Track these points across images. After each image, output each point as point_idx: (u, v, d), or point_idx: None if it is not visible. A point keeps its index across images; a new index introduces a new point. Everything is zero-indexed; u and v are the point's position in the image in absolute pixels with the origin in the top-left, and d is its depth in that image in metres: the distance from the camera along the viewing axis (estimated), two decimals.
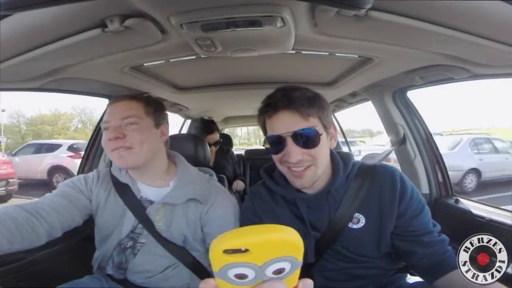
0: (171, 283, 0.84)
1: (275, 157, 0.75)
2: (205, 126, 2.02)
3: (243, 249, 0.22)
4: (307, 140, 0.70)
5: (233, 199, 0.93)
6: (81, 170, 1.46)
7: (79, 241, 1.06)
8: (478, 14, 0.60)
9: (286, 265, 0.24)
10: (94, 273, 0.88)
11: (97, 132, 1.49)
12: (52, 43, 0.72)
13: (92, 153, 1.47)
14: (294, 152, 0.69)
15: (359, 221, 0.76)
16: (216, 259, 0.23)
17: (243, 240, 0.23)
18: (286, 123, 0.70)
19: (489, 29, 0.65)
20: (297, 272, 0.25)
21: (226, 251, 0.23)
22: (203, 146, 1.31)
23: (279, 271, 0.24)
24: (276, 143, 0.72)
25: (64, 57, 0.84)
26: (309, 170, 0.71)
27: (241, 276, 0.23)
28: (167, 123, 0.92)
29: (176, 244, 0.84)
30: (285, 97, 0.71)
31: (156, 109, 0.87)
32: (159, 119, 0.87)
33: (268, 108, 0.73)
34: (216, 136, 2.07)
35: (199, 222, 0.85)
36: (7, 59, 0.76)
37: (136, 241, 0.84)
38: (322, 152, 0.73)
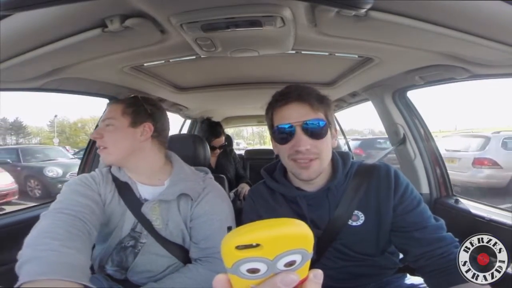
0: None
1: (283, 150, 0.76)
2: (212, 129, 1.96)
3: (254, 244, 0.23)
4: (315, 131, 0.73)
5: (226, 199, 0.91)
6: (81, 171, 1.47)
7: None
8: (478, 14, 0.59)
9: (297, 257, 0.24)
10: (94, 272, 0.88)
11: None
12: (52, 43, 0.72)
13: (91, 154, 1.47)
14: (303, 140, 0.72)
15: (358, 219, 0.77)
16: (228, 256, 0.23)
17: (255, 235, 0.23)
18: (297, 113, 0.73)
19: (489, 29, 0.65)
20: (308, 263, 0.25)
21: (238, 247, 0.23)
22: (203, 146, 1.30)
23: (290, 264, 0.24)
24: (285, 133, 0.74)
25: (64, 57, 0.84)
26: (315, 162, 0.73)
27: (254, 271, 0.24)
28: (156, 121, 0.89)
29: (175, 243, 0.84)
30: (296, 91, 0.75)
31: (136, 109, 0.86)
32: (139, 118, 0.86)
33: (279, 100, 0.76)
34: (222, 140, 2.02)
35: (189, 217, 0.86)
36: (7, 59, 0.76)
37: (138, 240, 0.84)
38: (327, 146, 0.75)
